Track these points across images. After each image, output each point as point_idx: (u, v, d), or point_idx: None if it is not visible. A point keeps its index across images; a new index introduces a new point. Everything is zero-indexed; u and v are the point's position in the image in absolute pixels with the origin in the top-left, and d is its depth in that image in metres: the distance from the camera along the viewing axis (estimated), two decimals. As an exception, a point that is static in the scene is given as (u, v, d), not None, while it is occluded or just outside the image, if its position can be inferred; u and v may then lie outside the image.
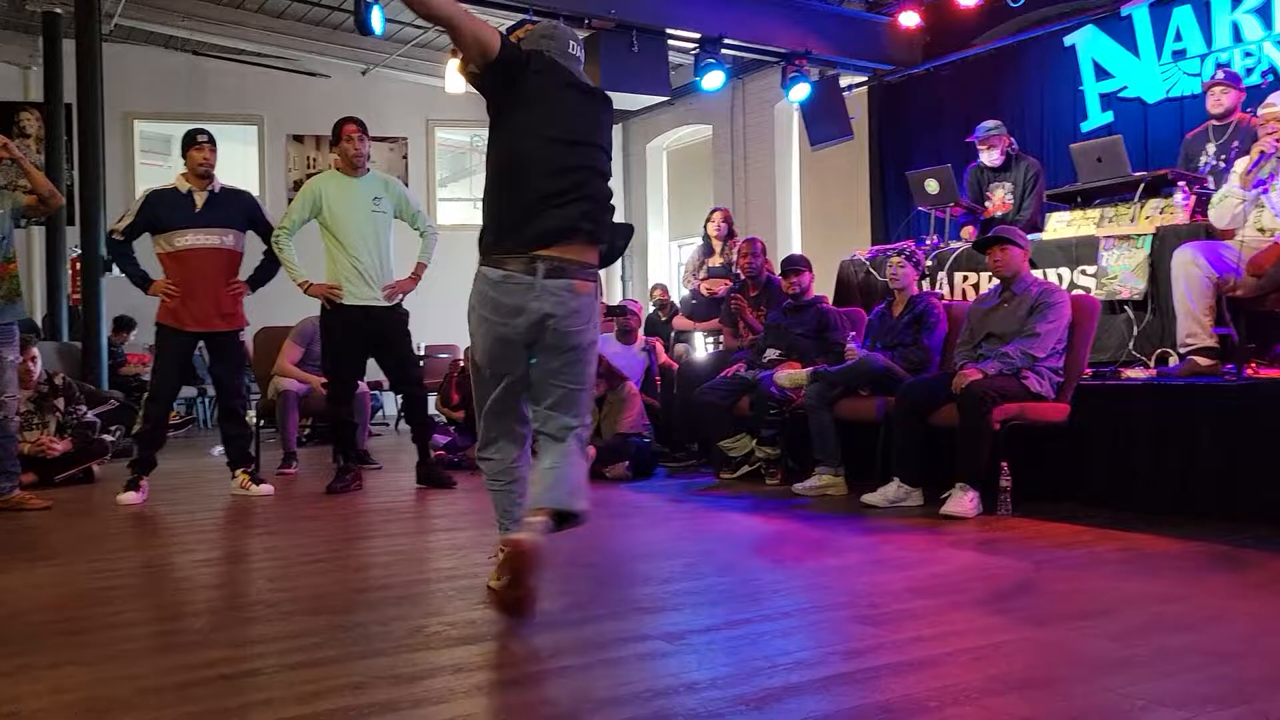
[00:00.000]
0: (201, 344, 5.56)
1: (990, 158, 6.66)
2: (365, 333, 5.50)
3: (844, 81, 9.47)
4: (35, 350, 6.08)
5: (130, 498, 5.19)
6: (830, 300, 6.43)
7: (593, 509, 4.61)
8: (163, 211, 5.26)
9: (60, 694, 2.27)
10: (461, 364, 7.76)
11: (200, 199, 5.29)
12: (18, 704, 2.19)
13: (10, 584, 3.48)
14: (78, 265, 9.39)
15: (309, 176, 12.17)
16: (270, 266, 5.55)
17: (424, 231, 5.73)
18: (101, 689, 2.31)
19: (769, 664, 2.38)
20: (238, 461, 5.52)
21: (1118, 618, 2.75)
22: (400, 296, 5.56)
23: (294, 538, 4.28)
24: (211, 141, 5.36)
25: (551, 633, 2.71)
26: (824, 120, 9.24)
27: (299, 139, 12.41)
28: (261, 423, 6.92)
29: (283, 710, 2.13)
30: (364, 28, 7.37)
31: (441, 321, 8.78)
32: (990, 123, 6.72)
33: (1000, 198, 6.64)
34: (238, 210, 5.43)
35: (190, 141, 5.33)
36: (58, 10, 9.70)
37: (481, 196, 3.06)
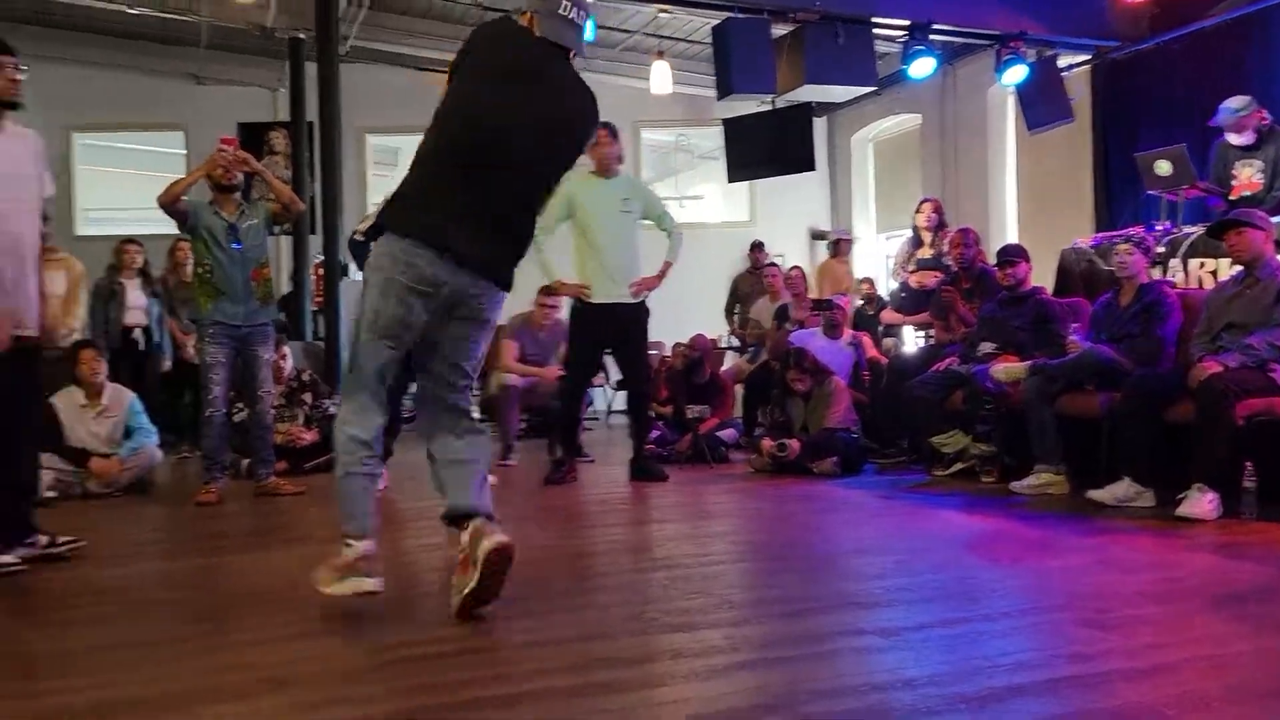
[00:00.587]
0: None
1: (1241, 139, 6.13)
2: (609, 330, 5.71)
3: (1062, 62, 9.00)
4: (286, 349, 6.65)
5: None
6: (1050, 291, 6.15)
7: (802, 503, 4.62)
8: None
9: (318, 661, 2.50)
10: (669, 361, 7.90)
11: None
12: (280, 669, 2.44)
13: (273, 561, 3.84)
14: (320, 271, 10.15)
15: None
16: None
17: (670, 231, 5.88)
18: (351, 659, 2.53)
19: (989, 664, 2.33)
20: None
21: (1381, 631, 2.54)
22: (645, 294, 5.71)
23: (515, 526, 4.50)
24: None
25: (764, 624, 2.76)
26: (1042, 103, 8.82)
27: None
28: (485, 417, 7.29)
29: (514, 686, 2.28)
30: (575, 35, 7.59)
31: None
32: (1236, 101, 6.12)
33: (1248, 177, 6.12)
34: None
35: None
36: (301, 35, 10.53)
37: None
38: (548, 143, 2.95)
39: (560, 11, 2.97)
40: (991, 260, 6.32)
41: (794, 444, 5.91)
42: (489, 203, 2.88)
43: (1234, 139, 6.16)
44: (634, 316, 5.70)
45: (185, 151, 11.89)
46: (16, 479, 3.79)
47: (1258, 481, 4.12)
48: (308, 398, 6.66)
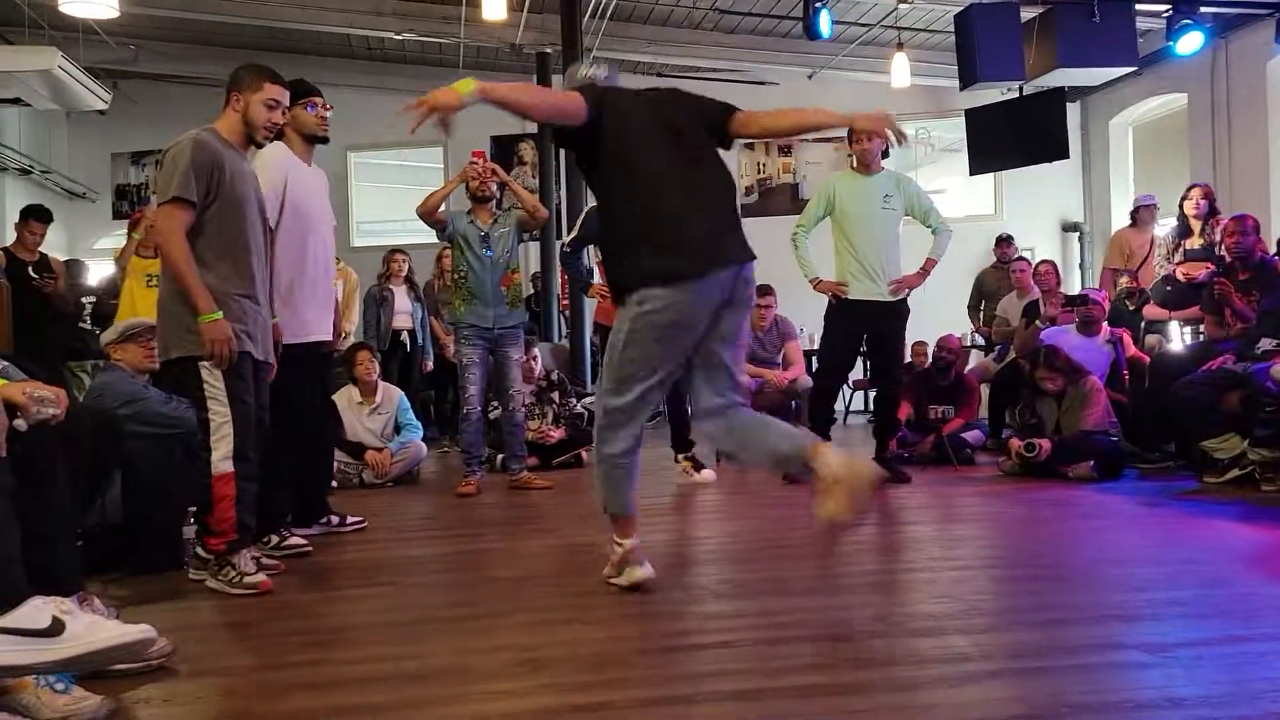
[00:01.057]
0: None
1: None
2: (864, 327, 5.68)
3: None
4: (536, 350, 7.00)
5: (706, 475, 5.84)
6: (1343, 282, 5.57)
7: (1055, 508, 4.42)
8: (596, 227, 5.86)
9: (570, 646, 2.64)
10: (914, 361, 7.71)
11: None
12: (536, 651, 2.59)
13: (526, 549, 4.07)
14: (565, 275, 10.59)
15: (758, 182, 12.75)
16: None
17: (936, 228, 5.73)
18: (603, 646, 2.65)
19: (1272, 687, 2.16)
20: (679, 446, 5.97)
21: None
22: (906, 292, 5.62)
23: (757, 523, 4.55)
24: None
25: (1015, 633, 2.67)
26: (1333, 74, 7.97)
27: (750, 146, 12.96)
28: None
29: (754, 681, 2.31)
30: (812, 32, 7.58)
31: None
32: None
33: None
34: None
35: None
36: (548, 50, 11.03)
37: None
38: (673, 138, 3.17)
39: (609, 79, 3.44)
40: (1272, 250, 5.79)
41: (1044, 444, 5.64)
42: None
43: None
44: (892, 313, 5.60)
45: (442, 165, 12.71)
46: (320, 467, 4.51)
47: None
48: (556, 396, 6.98)
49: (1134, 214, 7.69)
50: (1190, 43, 7.89)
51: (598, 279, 5.87)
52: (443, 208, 5.65)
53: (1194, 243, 6.82)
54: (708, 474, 5.87)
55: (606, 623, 2.88)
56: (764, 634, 2.70)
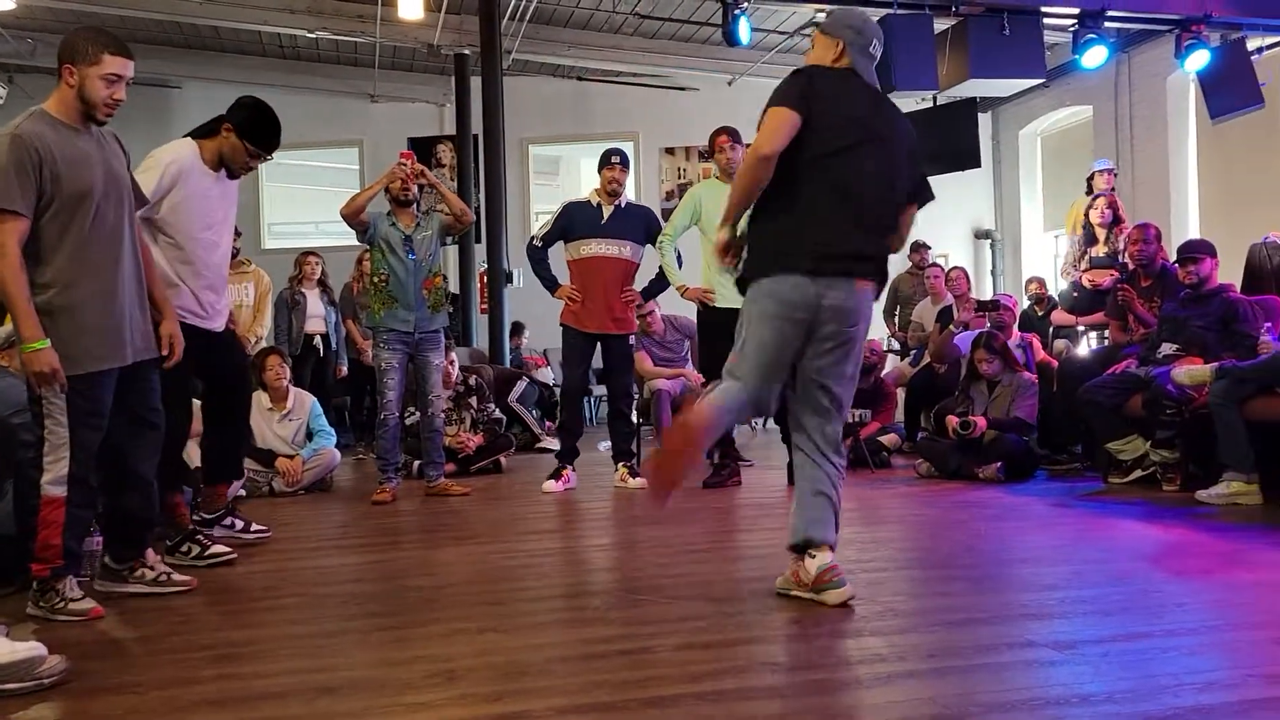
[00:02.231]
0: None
1: None
2: (732, 334, 5.70)
3: (1251, 45, 8.44)
4: (454, 354, 6.91)
5: (551, 485, 5.75)
6: (1237, 289, 5.79)
7: (969, 510, 4.51)
8: (574, 222, 5.82)
9: (486, 656, 2.59)
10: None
11: (607, 212, 5.79)
12: (451, 661, 2.54)
13: (443, 558, 4.00)
14: (484, 278, 10.50)
15: (679, 187, 12.80)
16: (662, 281, 5.94)
17: None
18: (518, 654, 2.60)
19: (1175, 682, 2.22)
20: (620, 455, 5.94)
21: None
22: None
23: (676, 528, 4.54)
24: (624, 162, 5.86)
25: (930, 633, 2.70)
26: (1227, 89, 8.28)
27: (670, 151, 13.04)
28: (642, 421, 7.38)
29: (675, 688, 2.30)
30: (731, 39, 7.61)
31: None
32: None
33: None
34: (639, 224, 5.89)
35: (603, 161, 5.85)
36: (466, 51, 10.94)
37: None
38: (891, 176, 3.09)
39: (870, 50, 3.14)
40: (1172, 257, 5.99)
41: (980, 421, 5.75)
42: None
43: None
44: None
45: (358, 167, 12.51)
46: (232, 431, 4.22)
47: None
48: (473, 401, 6.89)
49: (1089, 180, 7.80)
50: (1095, 56, 8.12)
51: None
52: (366, 209, 5.55)
53: (1099, 250, 7.03)
54: (643, 480, 5.87)
55: (524, 631, 2.84)
56: (683, 639, 2.69)
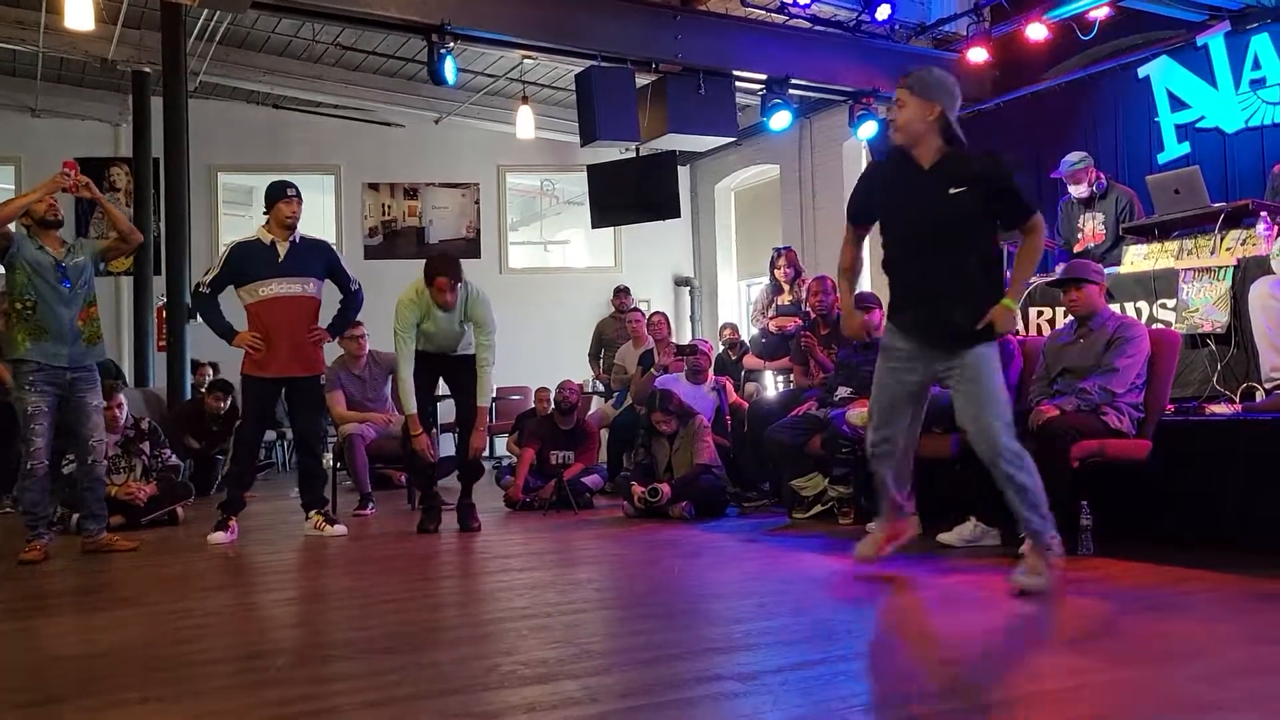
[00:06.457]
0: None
1: (1078, 191, 6.60)
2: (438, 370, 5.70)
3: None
4: (121, 396, 6.29)
5: (219, 537, 5.33)
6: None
7: (665, 549, 4.62)
8: (247, 265, 5.43)
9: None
10: (538, 407, 7.80)
11: (283, 249, 5.44)
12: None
13: (100, 624, 3.58)
14: (163, 313, 9.71)
15: (383, 224, 12.49)
16: (347, 314, 5.70)
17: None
18: (186, 725, 2.36)
19: (844, 705, 2.34)
20: (313, 503, 5.62)
21: (1208, 659, 2.66)
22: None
23: (370, 578, 4.35)
24: (299, 195, 5.53)
25: (624, 673, 2.71)
26: (892, 157, 9.19)
27: (374, 187, 12.71)
28: (338, 465, 7.05)
29: (361, 747, 2.16)
30: (437, 78, 7.55)
31: (512, 365, 8.82)
32: (1074, 156, 6.65)
33: (1091, 229, 6.57)
34: (318, 259, 5.58)
35: (279, 194, 5.48)
36: (146, 69, 10.12)
37: None
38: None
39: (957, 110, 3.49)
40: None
41: (665, 488, 5.91)
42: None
43: (1074, 191, 6.65)
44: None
45: (14, 186, 11.27)
46: None
47: (1093, 520, 4.31)
48: (146, 447, 6.30)
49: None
50: (780, 120, 8.78)
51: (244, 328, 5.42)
52: (13, 225, 4.95)
53: (784, 299, 7.53)
54: (340, 528, 5.57)
55: (194, 698, 2.58)
56: (371, 696, 2.54)
